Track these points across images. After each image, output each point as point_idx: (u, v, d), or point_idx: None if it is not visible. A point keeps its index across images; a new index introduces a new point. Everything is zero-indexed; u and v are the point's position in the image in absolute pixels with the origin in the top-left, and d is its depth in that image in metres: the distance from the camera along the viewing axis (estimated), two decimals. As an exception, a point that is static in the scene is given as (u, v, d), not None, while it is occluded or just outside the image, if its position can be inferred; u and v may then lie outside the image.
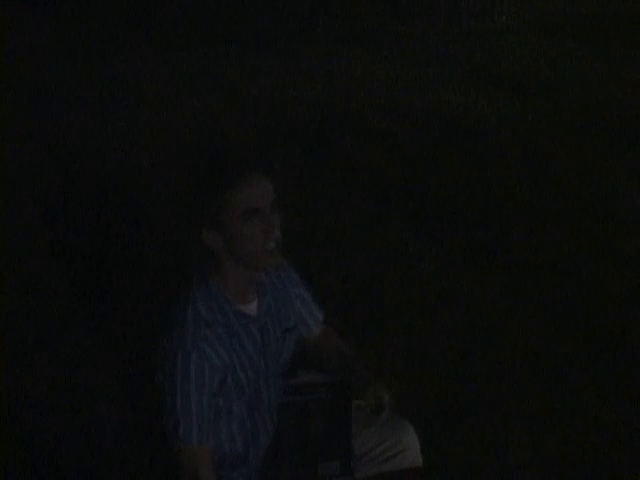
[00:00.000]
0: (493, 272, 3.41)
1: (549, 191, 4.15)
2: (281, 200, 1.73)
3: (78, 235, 3.89)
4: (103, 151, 5.03)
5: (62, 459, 2.53)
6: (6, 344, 3.07)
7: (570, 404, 2.61)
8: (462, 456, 2.44)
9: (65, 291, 3.41)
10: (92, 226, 3.97)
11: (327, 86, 6.29)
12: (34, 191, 4.49)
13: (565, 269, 3.40)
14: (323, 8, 9.16)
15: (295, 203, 3.93)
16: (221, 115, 5.70)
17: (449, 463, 2.41)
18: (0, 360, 2.96)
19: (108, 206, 4.19)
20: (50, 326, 3.16)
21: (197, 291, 1.78)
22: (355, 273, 3.45)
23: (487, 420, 2.57)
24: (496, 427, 2.54)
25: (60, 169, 4.82)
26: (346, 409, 1.90)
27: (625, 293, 3.20)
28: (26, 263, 3.68)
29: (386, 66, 6.78)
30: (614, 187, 4.13)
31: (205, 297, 1.77)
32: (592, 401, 2.62)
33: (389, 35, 8.11)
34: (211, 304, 1.77)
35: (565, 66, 6.45)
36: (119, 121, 5.58)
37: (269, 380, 1.87)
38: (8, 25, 9.16)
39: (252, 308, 1.83)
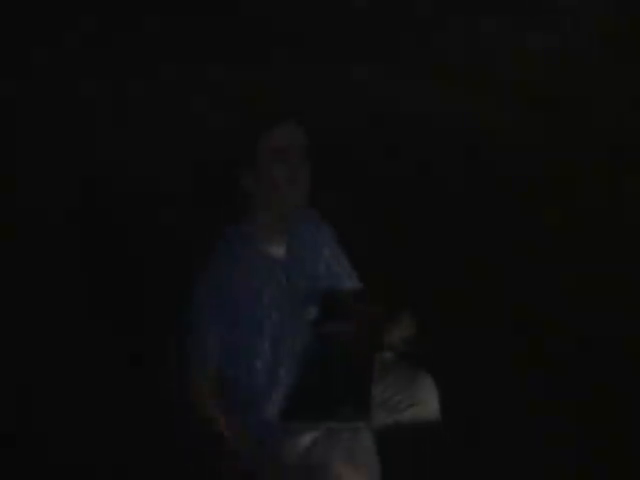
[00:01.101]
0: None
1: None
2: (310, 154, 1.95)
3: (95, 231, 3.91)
4: (124, 159, 4.98)
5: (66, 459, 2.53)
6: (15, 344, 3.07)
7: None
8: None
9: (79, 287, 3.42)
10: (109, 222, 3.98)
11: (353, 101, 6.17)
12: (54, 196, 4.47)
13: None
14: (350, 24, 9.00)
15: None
16: (239, 129, 5.63)
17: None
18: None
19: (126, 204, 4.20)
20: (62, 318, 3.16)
21: (227, 230, 1.95)
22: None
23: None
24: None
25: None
26: (368, 358, 1.98)
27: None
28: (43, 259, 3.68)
29: (419, 82, 6.67)
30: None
31: (234, 235, 1.94)
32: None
33: (428, 50, 7.90)
34: (239, 241, 1.92)
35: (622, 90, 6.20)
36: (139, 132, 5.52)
37: (294, 323, 1.97)
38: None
39: (280, 252, 1.96)
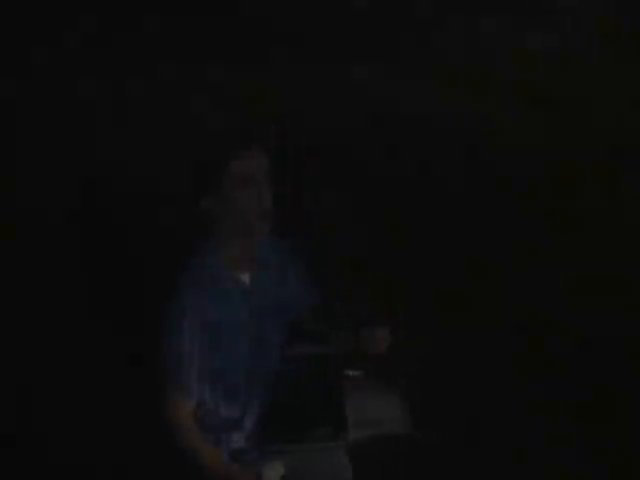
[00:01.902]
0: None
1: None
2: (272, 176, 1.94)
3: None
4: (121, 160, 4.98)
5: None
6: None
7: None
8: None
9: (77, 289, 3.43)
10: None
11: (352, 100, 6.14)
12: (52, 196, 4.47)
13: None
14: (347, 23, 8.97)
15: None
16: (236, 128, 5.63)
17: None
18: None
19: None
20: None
21: (195, 256, 1.95)
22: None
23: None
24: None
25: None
26: (338, 378, 2.05)
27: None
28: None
29: (418, 82, 6.64)
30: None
31: (202, 261, 1.94)
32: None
33: (428, 50, 7.85)
34: (207, 268, 1.93)
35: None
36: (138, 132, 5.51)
37: (263, 348, 1.99)
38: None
39: (246, 278, 1.97)
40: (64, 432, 2.62)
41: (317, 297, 2.17)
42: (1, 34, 6.93)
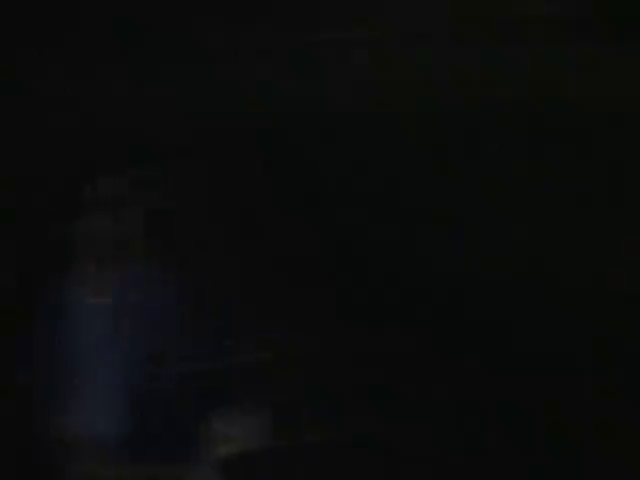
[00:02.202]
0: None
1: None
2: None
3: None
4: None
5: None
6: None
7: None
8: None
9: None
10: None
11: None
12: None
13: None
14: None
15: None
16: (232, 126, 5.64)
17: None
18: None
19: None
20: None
21: (58, 284, 1.91)
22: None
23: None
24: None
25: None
26: (209, 395, 2.06)
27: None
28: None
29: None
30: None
31: (65, 290, 1.93)
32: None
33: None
34: (70, 295, 1.91)
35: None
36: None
37: (129, 368, 2.06)
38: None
39: (112, 300, 1.96)
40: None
41: (178, 323, 2.18)
42: (1, 34, 6.94)
